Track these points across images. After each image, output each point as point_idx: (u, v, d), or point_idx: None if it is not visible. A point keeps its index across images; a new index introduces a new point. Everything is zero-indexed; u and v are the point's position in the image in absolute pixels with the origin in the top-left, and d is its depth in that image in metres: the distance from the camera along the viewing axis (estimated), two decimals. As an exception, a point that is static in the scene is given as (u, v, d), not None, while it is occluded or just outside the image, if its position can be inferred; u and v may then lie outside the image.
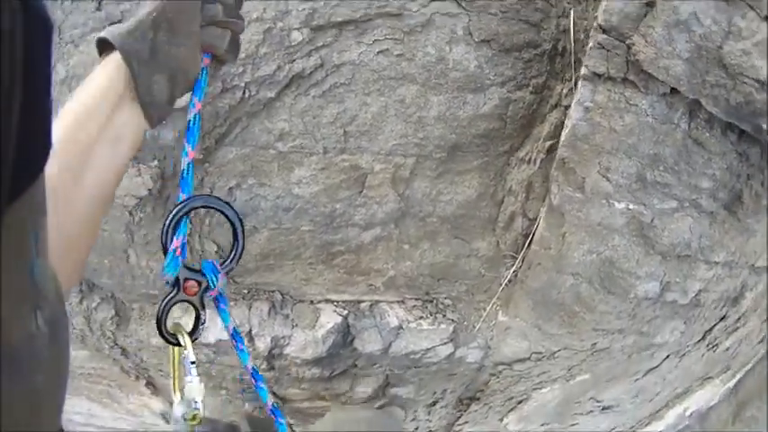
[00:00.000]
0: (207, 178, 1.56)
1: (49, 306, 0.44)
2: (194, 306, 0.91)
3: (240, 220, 0.94)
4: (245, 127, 1.51)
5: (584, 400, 2.47)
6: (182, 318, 1.31)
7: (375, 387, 2.02)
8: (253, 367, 1.08)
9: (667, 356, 2.25)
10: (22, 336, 0.40)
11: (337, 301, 1.81)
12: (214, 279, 0.90)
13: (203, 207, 0.92)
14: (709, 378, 2.64)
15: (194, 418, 0.87)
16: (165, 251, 0.87)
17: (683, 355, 2.30)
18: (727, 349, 2.38)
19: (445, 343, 1.87)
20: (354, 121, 1.52)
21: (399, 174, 1.59)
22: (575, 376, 2.09)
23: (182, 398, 0.88)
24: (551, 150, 1.59)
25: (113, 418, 2.57)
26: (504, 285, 1.85)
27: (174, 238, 0.88)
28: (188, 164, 0.91)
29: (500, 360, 2.03)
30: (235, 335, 1.01)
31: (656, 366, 2.31)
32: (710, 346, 2.31)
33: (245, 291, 1.78)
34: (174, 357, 0.93)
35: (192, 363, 0.88)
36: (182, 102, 1.03)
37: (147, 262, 1.66)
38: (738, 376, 2.80)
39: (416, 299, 1.84)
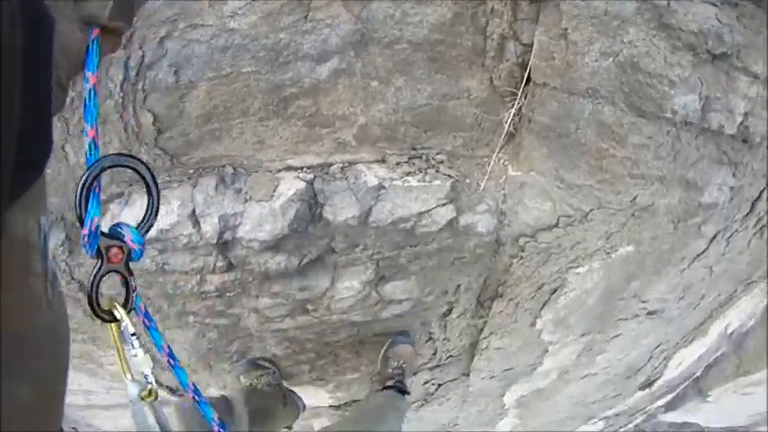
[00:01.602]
0: (136, 33, 1.44)
1: (48, 300, 0.46)
2: (122, 274, 0.88)
3: (152, 175, 0.90)
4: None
5: (629, 296, 2.21)
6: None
7: (364, 281, 1.78)
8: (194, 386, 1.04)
9: (714, 237, 2.03)
10: (24, 328, 0.42)
11: (300, 167, 1.56)
12: (137, 239, 0.86)
13: (113, 167, 0.86)
14: (751, 283, 2.48)
15: (150, 393, 0.89)
16: (82, 222, 0.83)
17: (731, 236, 2.09)
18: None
19: (443, 204, 1.63)
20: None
21: (350, -11, 1.38)
22: (616, 248, 1.83)
23: (132, 377, 0.89)
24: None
25: (106, 389, 2.42)
26: (507, 128, 1.58)
27: (89, 209, 0.84)
28: (89, 144, 0.86)
29: (520, 230, 1.79)
30: (170, 356, 0.98)
31: (704, 251, 2.10)
32: (758, 226, 2.11)
33: (191, 171, 1.56)
34: (114, 335, 0.90)
35: (133, 335, 0.89)
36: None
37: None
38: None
39: (400, 154, 1.58)
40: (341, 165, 1.63)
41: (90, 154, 0.86)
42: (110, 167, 0.85)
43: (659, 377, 3.05)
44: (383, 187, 1.61)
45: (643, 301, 2.31)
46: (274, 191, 1.58)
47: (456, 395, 2.73)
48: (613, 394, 3.10)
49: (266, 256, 1.65)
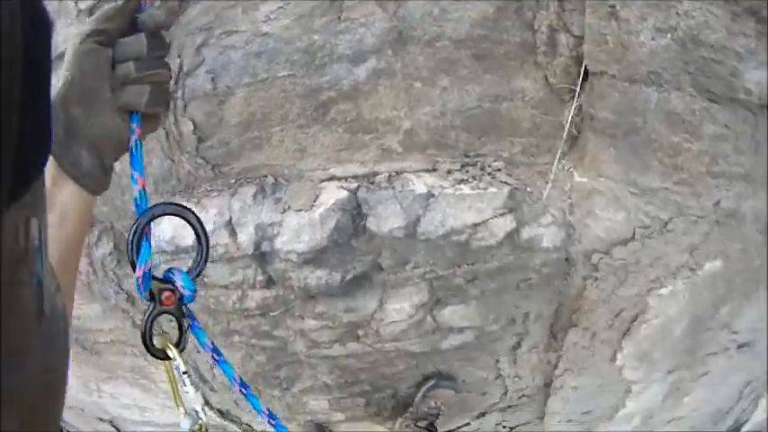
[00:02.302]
0: (174, 42, 1.47)
1: (48, 303, 0.46)
2: (174, 316, 0.97)
3: (201, 224, 0.99)
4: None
5: (718, 326, 2.00)
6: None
7: (416, 304, 1.68)
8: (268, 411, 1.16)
9: None
10: (21, 331, 0.42)
11: (344, 177, 1.51)
12: (188, 285, 0.95)
13: (163, 215, 0.97)
14: None
15: (200, 428, 0.99)
16: (133, 266, 0.93)
17: None
18: None
19: (501, 214, 1.52)
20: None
21: (383, -11, 1.37)
22: (701, 263, 1.64)
23: (185, 411, 0.99)
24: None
25: (160, 407, 2.44)
26: (568, 130, 1.47)
27: (141, 253, 0.94)
28: (139, 192, 0.98)
29: (592, 245, 1.67)
30: (242, 385, 1.09)
31: None
32: None
33: (232, 181, 1.56)
34: (168, 372, 1.00)
35: (184, 373, 0.97)
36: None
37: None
38: None
39: (452, 161, 1.50)
40: (387, 174, 1.56)
41: (140, 202, 0.96)
42: (159, 216, 0.96)
43: (748, 419, 2.79)
44: (432, 195, 1.53)
45: (734, 332, 2.08)
46: (315, 200, 1.55)
47: None
48: None
49: (306, 270, 1.61)
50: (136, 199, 0.97)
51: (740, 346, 2.18)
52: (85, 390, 2.48)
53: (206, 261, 0.99)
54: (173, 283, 0.95)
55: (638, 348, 1.95)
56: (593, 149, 1.53)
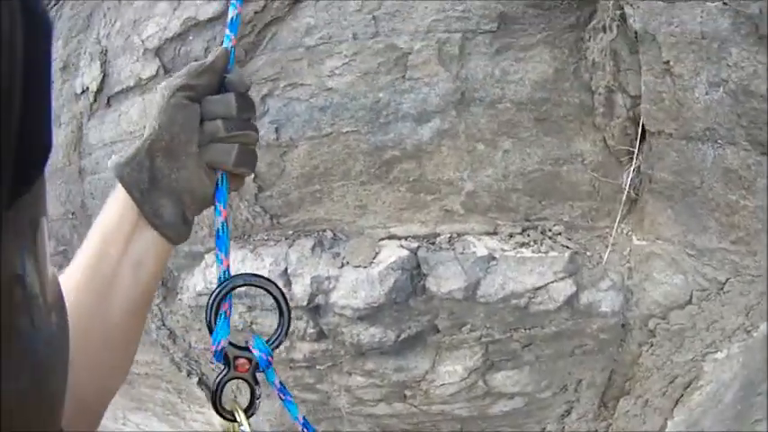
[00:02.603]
0: None
1: (47, 307, 0.47)
2: (248, 382, 1.01)
3: (283, 295, 1.04)
4: (274, 33, 1.52)
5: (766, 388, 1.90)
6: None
7: (470, 367, 1.68)
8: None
9: None
10: (18, 334, 0.42)
11: (404, 236, 1.56)
12: (263, 357, 1.01)
13: (244, 285, 1.04)
14: None
15: None
16: (211, 331, 0.98)
17: None
18: None
19: (562, 278, 1.54)
20: (383, 4, 1.45)
21: (446, 50, 1.45)
22: (756, 324, 1.62)
23: None
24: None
25: None
26: (627, 192, 1.50)
27: (218, 327, 1.00)
28: (223, 271, 1.03)
29: (649, 310, 1.66)
30: (305, 424, 1.12)
31: None
32: None
33: (290, 232, 1.60)
34: None
35: None
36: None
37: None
38: None
39: (513, 224, 1.53)
40: (448, 235, 1.60)
41: (223, 279, 1.01)
42: (241, 286, 1.02)
43: None
44: (494, 258, 1.54)
45: None
46: (374, 257, 1.58)
47: None
48: None
49: (360, 327, 1.62)
50: (221, 275, 1.02)
51: None
52: (112, 417, 2.48)
53: (287, 333, 1.03)
54: (250, 351, 0.99)
55: (689, 416, 1.89)
56: (652, 211, 1.55)
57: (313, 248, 1.59)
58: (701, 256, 1.54)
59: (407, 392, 1.79)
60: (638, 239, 1.59)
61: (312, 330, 1.70)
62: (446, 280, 1.54)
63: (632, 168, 1.53)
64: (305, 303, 1.61)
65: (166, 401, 2.18)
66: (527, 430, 1.94)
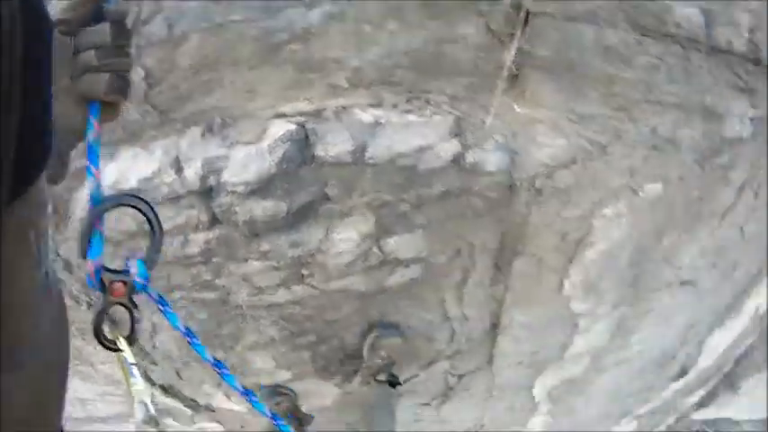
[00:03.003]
0: None
1: (50, 303, 0.58)
2: (126, 307, 1.14)
3: (155, 213, 1.18)
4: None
5: (660, 258, 2.65)
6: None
7: (363, 233, 2.24)
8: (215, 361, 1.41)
9: (742, 187, 2.45)
10: (24, 330, 0.53)
11: (292, 114, 2.01)
12: (142, 273, 1.14)
13: (117, 206, 1.16)
14: None
15: (150, 420, 1.22)
16: (85, 256, 1.10)
17: (758, 187, 2.51)
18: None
19: (448, 139, 2.11)
20: None
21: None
22: (642, 185, 2.23)
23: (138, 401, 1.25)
24: None
25: (100, 395, 2.83)
26: (509, 69, 1.97)
27: (92, 247, 1.12)
28: (96, 184, 1.14)
29: (535, 170, 2.23)
30: (188, 333, 1.37)
31: (733, 205, 2.54)
32: None
33: (180, 125, 1.95)
34: (122, 365, 1.22)
35: (133, 364, 1.19)
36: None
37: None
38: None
39: (397, 96, 2.00)
40: (334, 109, 2.07)
41: (95, 195, 1.12)
42: (113, 208, 1.15)
43: (693, 365, 3.48)
44: (379, 123, 2.07)
45: (676, 268, 2.74)
46: (263, 134, 2.03)
47: (480, 388, 3.14)
48: (649, 385, 3.52)
49: (252, 202, 2.11)
50: (91, 192, 1.14)
51: (683, 283, 2.85)
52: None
53: (159, 251, 1.18)
54: (125, 272, 1.13)
55: (585, 276, 2.59)
56: (533, 84, 2.09)
57: (203, 134, 2.02)
58: (583, 121, 2.13)
59: (305, 271, 2.34)
60: (520, 108, 2.14)
61: (205, 217, 2.14)
62: (334, 145, 2.06)
63: (514, 48, 2.00)
64: (197, 187, 2.05)
65: (73, 348, 2.48)
66: (426, 300, 2.52)
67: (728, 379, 3.89)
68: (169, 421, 3.09)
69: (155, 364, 2.67)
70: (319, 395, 2.95)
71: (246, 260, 2.28)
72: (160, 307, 1.27)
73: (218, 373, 1.44)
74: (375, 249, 2.31)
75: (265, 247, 2.22)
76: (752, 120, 2.25)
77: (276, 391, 2.80)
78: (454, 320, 2.72)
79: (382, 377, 2.65)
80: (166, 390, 2.86)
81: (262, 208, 2.11)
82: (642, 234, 2.50)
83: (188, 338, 1.38)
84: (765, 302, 3.31)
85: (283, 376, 2.79)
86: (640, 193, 2.32)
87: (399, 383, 2.68)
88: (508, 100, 2.16)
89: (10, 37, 0.42)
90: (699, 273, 2.82)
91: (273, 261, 2.27)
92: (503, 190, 2.25)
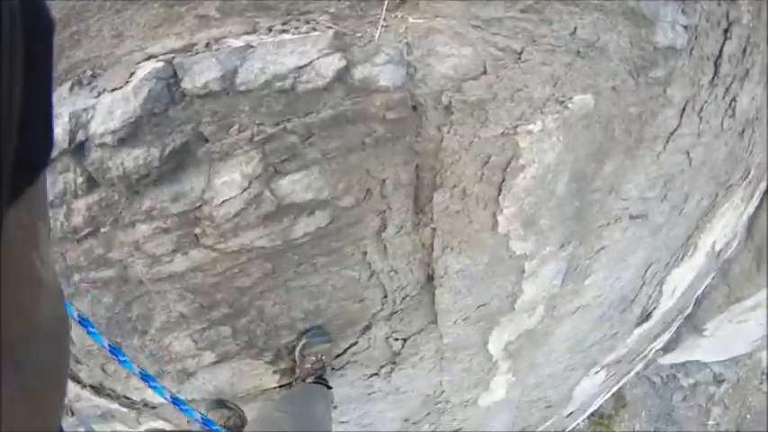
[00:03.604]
0: None
1: (50, 304, 0.57)
2: None
3: None
4: None
5: (604, 188, 2.44)
6: None
7: (248, 175, 2.01)
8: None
9: (684, 109, 2.30)
10: (23, 332, 0.52)
11: (161, 53, 1.85)
12: None
13: None
14: (731, 186, 2.85)
15: None
16: None
17: (702, 109, 2.36)
18: (746, 118, 2.53)
19: (328, 54, 1.87)
20: None
21: None
22: (569, 97, 2.02)
23: None
24: None
25: None
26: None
27: None
28: None
29: (440, 84, 1.99)
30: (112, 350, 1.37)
31: (677, 129, 2.36)
32: (726, 99, 2.38)
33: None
34: None
35: None
36: None
37: None
38: (757, 196, 3.20)
39: (273, 19, 1.83)
40: (206, 42, 1.87)
41: None
42: None
43: (655, 308, 3.36)
44: (251, 47, 1.84)
45: (623, 199, 2.53)
46: (130, 77, 1.83)
47: (429, 351, 2.89)
48: (611, 332, 3.35)
49: (123, 153, 1.88)
50: None
51: (632, 217, 2.64)
52: None
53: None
54: None
55: (520, 209, 2.34)
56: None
57: (71, 89, 1.83)
58: (489, 26, 1.91)
59: (197, 231, 2.10)
60: (415, 19, 1.90)
61: (81, 180, 1.94)
62: (200, 74, 1.82)
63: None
64: (67, 144, 1.85)
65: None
66: (345, 254, 2.26)
67: (690, 321, 3.96)
68: (116, 425, 2.87)
69: (79, 362, 2.45)
70: (256, 379, 2.70)
71: (133, 224, 2.04)
72: (89, 330, 1.36)
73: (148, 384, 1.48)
74: (267, 193, 2.05)
75: (147, 204, 1.99)
76: (686, 28, 2.07)
77: (224, 404, 2.71)
78: (382, 275, 2.46)
79: (311, 380, 2.59)
80: (97, 390, 2.61)
81: (133, 158, 1.88)
82: (579, 157, 2.25)
83: (117, 357, 1.42)
84: (721, 238, 3.27)
85: (208, 359, 2.52)
86: (569, 105, 2.07)
87: (330, 387, 2.68)
88: (401, 13, 1.95)
89: (10, 36, 0.41)
90: (649, 205, 2.62)
91: (160, 221, 2.04)
92: (405, 110, 2.00)
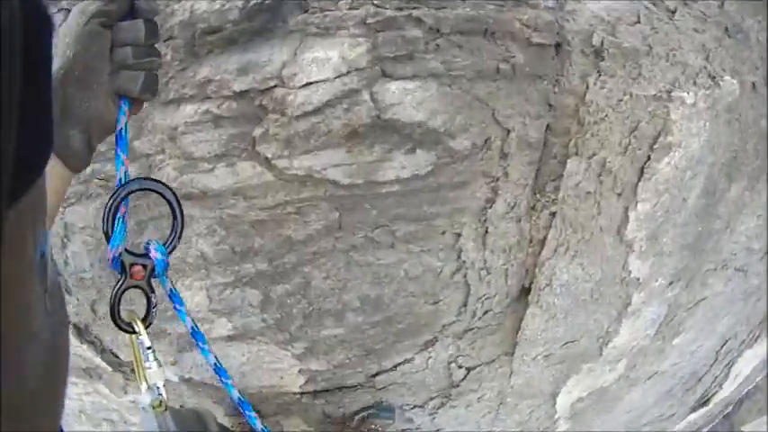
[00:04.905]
0: None
1: (50, 305, 0.59)
2: (143, 290, 1.20)
3: (177, 198, 1.22)
4: None
5: (725, 214, 2.15)
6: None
7: (347, 58, 1.51)
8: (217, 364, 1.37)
9: None
10: (23, 333, 0.54)
11: None
12: (162, 259, 1.20)
13: (140, 190, 1.20)
14: None
15: (160, 404, 1.25)
16: (108, 238, 1.15)
17: None
18: None
19: None
20: None
21: None
22: (720, 75, 1.73)
23: (147, 386, 1.24)
24: None
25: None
26: None
27: (115, 233, 1.15)
28: (125, 172, 1.21)
29: (590, 23, 1.64)
30: (194, 333, 1.32)
31: None
32: None
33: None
34: (134, 346, 1.23)
35: (149, 348, 1.22)
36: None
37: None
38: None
39: None
40: None
41: (124, 179, 1.18)
42: (137, 191, 1.18)
43: (716, 392, 3.14)
44: None
45: (734, 243, 2.23)
46: None
47: (492, 391, 2.35)
48: (669, 413, 3.10)
49: None
50: (120, 179, 1.18)
51: (737, 270, 2.32)
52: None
53: (180, 236, 1.22)
54: (146, 256, 1.18)
55: (653, 210, 1.87)
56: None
57: None
58: None
59: (258, 132, 1.56)
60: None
61: None
62: None
63: None
64: None
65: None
66: (434, 229, 1.71)
67: (728, 421, 3.73)
68: (100, 387, 2.37)
69: (68, 292, 2.00)
70: (276, 374, 2.11)
71: (178, 103, 1.56)
72: (176, 306, 1.28)
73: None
74: (366, 96, 1.52)
75: (204, 73, 1.51)
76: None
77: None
78: (470, 272, 1.89)
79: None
80: (81, 332, 2.10)
81: (207, 1, 1.47)
82: (716, 162, 1.88)
83: (198, 342, 1.32)
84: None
85: (221, 329, 1.94)
86: (720, 84, 1.76)
87: None
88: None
89: (10, 36, 0.41)
90: (751, 259, 2.30)
91: (213, 104, 1.53)
92: (551, 38, 1.58)
